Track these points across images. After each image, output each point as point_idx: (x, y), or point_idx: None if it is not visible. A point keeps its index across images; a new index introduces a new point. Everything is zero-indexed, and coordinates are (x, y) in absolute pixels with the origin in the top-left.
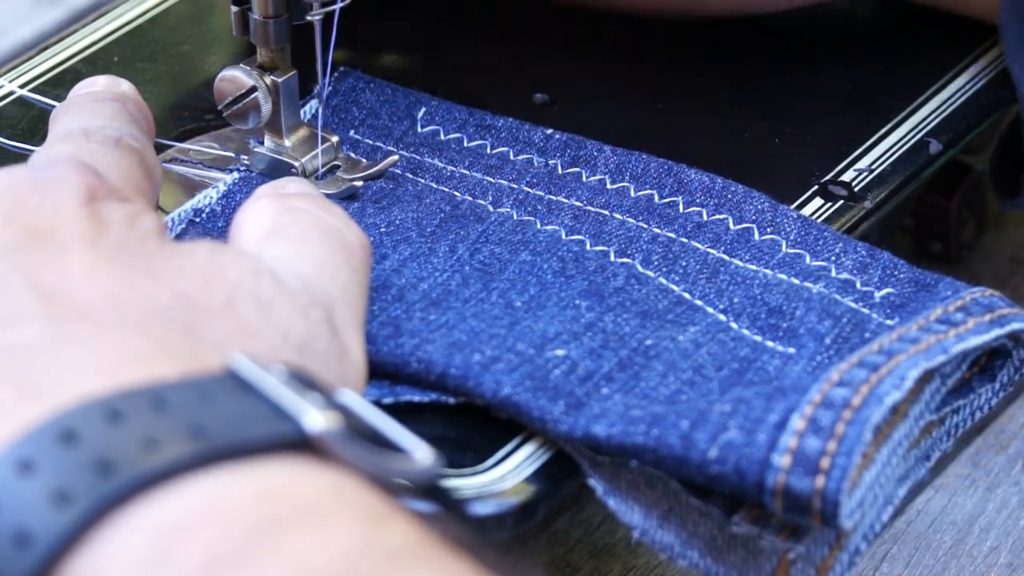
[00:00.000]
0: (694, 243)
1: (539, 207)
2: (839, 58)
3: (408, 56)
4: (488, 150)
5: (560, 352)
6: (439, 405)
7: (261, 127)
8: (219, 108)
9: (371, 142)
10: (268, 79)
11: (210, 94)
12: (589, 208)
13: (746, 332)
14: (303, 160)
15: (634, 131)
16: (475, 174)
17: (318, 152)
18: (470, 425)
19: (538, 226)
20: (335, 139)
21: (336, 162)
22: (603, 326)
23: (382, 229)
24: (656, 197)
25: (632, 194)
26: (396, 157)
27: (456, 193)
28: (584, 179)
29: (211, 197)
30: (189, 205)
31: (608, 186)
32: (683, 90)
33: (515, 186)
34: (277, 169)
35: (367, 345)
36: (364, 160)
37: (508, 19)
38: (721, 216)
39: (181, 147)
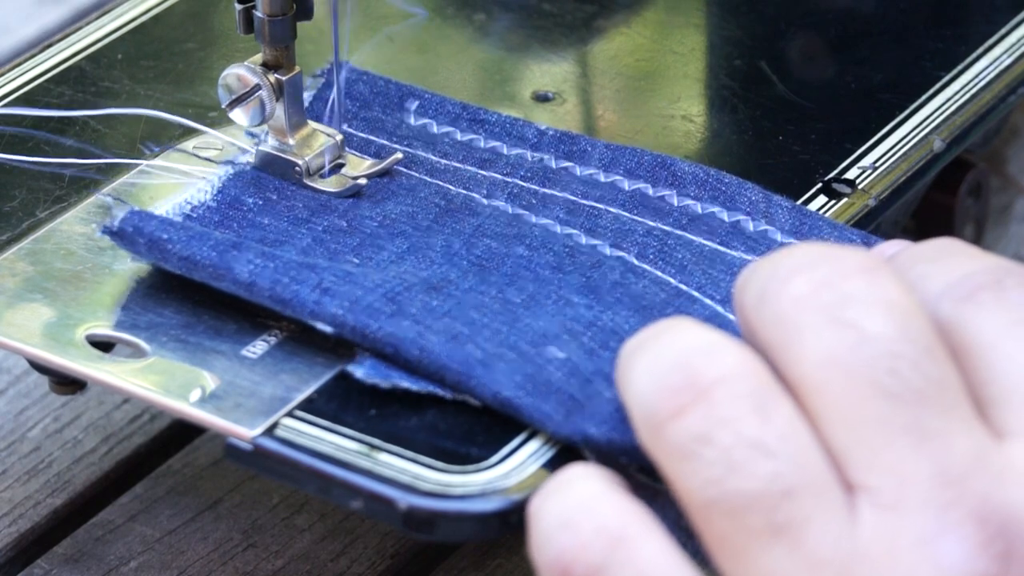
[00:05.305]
0: (689, 235)
1: (532, 200)
2: (843, 55)
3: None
4: (481, 144)
5: (561, 355)
6: (438, 400)
7: (265, 125)
8: (223, 106)
9: (364, 135)
10: (272, 77)
11: (214, 92)
12: (582, 202)
13: None
14: (307, 158)
15: (636, 130)
16: (468, 167)
17: (324, 150)
18: (474, 421)
19: (532, 220)
20: (339, 137)
21: (340, 160)
22: (602, 324)
23: (376, 223)
24: (649, 190)
25: (625, 187)
26: (400, 155)
27: (449, 187)
28: (577, 173)
29: (206, 192)
30: (182, 199)
31: (601, 179)
32: (684, 87)
33: (508, 180)
34: (280, 167)
35: (368, 319)
36: (368, 158)
37: (509, 18)
38: (714, 208)
39: (185, 144)
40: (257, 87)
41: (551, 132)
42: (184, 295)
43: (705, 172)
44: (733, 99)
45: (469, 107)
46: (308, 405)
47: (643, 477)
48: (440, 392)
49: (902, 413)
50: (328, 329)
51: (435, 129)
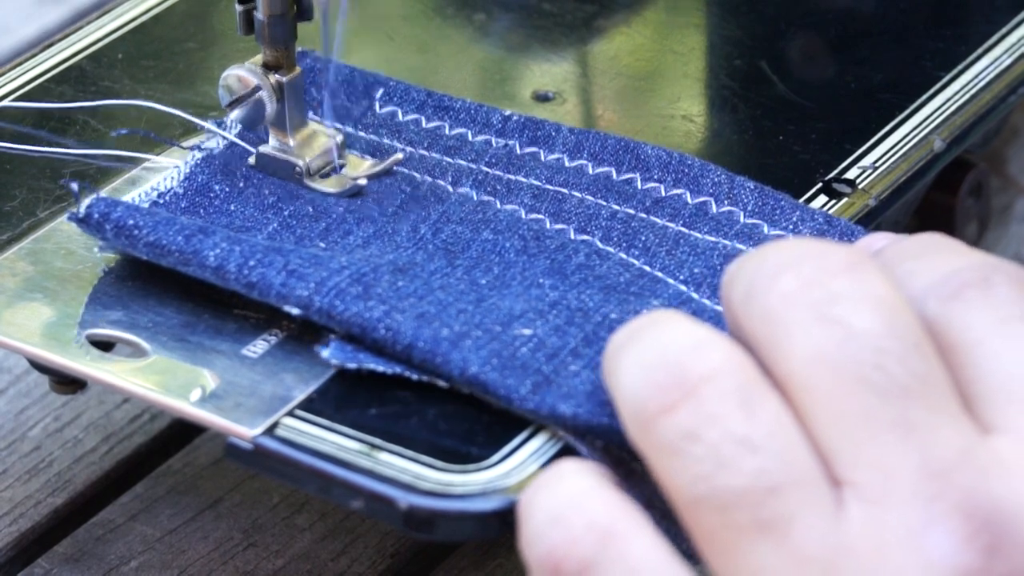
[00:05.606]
0: (653, 218)
1: (498, 187)
2: (843, 55)
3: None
4: (446, 131)
5: (527, 331)
6: (439, 399)
7: (265, 125)
8: (224, 106)
9: (329, 124)
10: (273, 78)
11: (214, 91)
12: (548, 187)
13: (707, 302)
14: (307, 159)
15: (636, 130)
16: (434, 155)
17: (324, 151)
18: (475, 420)
19: (498, 206)
20: (340, 137)
21: (340, 160)
22: (567, 303)
23: (342, 208)
24: (614, 174)
25: (590, 171)
26: (400, 155)
27: (415, 174)
28: (542, 158)
29: (173, 178)
30: (149, 187)
31: (566, 164)
32: (685, 87)
33: (474, 166)
34: (280, 168)
35: (335, 300)
36: (369, 158)
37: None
38: (679, 190)
39: (186, 142)
40: (257, 88)
41: (516, 118)
42: (184, 294)
43: (669, 155)
44: (733, 99)
45: (434, 94)
46: (308, 404)
47: (616, 450)
48: (407, 373)
49: (888, 408)
50: (295, 311)
51: (401, 117)
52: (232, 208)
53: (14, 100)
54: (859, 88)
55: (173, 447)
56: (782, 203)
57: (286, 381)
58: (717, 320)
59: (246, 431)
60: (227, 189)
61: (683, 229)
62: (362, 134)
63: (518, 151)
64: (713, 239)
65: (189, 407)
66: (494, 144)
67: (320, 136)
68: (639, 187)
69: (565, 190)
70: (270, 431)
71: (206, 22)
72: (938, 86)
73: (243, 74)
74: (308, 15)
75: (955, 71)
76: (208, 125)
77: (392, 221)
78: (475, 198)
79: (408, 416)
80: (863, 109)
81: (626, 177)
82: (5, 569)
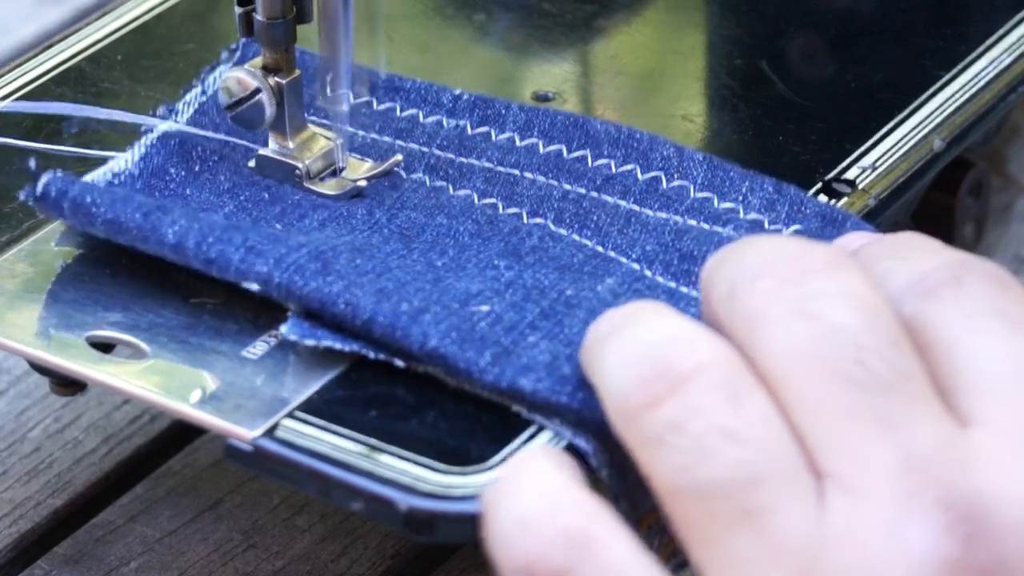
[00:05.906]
0: (604, 196)
1: (450, 171)
2: (842, 55)
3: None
4: (397, 112)
5: (485, 308)
6: (439, 400)
7: (265, 128)
8: (223, 108)
9: (338, 126)
10: (272, 80)
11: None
12: (499, 169)
13: (660, 279)
14: (307, 161)
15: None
16: (385, 139)
17: (324, 153)
18: (475, 421)
19: (451, 191)
20: (340, 140)
21: (340, 163)
22: (523, 282)
23: (297, 197)
24: (565, 152)
25: (541, 150)
26: (400, 157)
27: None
28: (493, 138)
29: (128, 160)
30: (105, 169)
31: (517, 143)
32: (685, 87)
33: (426, 150)
34: (280, 170)
35: (294, 276)
36: (368, 160)
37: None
38: (629, 167)
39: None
40: (257, 90)
41: (466, 96)
42: (184, 295)
43: (618, 130)
44: (733, 98)
45: (385, 75)
46: (308, 406)
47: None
48: (366, 351)
49: (868, 401)
50: (255, 287)
51: (352, 99)
52: (188, 192)
53: (14, 100)
54: (859, 88)
55: (173, 448)
56: (731, 174)
57: (286, 382)
58: (671, 296)
59: (246, 432)
60: (183, 173)
61: (634, 207)
62: (312, 119)
63: (469, 131)
64: (664, 216)
65: (189, 408)
66: (445, 125)
67: (319, 138)
68: (590, 164)
69: (517, 171)
70: (270, 432)
71: (206, 22)
72: (938, 85)
73: (243, 76)
74: (307, 17)
75: (955, 70)
76: (151, 121)
77: (347, 205)
78: (428, 184)
79: (408, 417)
80: (863, 109)
81: (577, 155)
82: (5, 570)
